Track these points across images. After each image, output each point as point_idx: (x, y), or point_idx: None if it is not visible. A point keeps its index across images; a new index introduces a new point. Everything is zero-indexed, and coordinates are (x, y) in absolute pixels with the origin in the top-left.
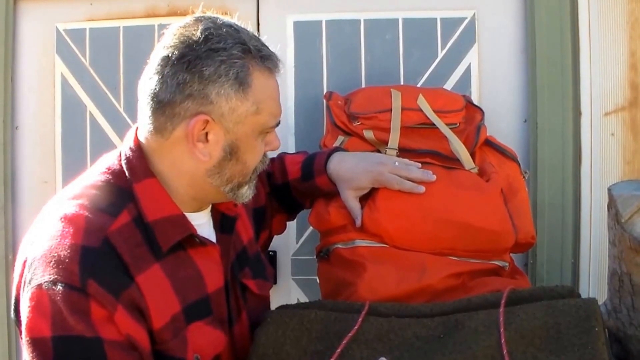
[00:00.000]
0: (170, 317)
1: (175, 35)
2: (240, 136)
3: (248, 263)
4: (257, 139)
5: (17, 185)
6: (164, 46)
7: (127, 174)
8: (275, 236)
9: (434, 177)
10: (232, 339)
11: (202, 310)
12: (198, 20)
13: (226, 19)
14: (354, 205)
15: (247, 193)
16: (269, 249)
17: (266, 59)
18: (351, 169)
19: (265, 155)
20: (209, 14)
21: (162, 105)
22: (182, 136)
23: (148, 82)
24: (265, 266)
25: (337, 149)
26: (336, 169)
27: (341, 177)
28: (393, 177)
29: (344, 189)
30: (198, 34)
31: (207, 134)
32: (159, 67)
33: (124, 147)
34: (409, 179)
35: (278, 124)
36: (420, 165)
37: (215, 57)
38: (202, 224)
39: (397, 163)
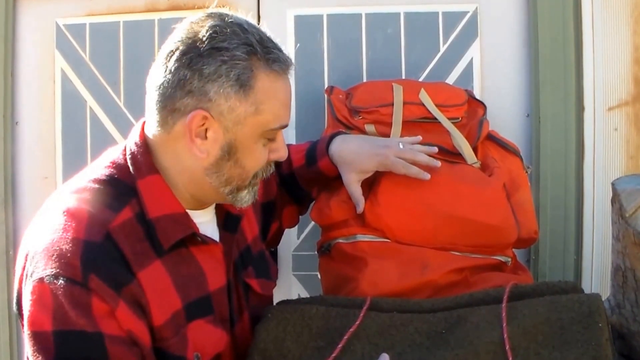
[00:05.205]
0: (171, 315)
1: (184, 29)
2: (240, 137)
3: (252, 262)
4: (257, 143)
5: (18, 181)
6: (172, 40)
7: (131, 169)
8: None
9: (439, 163)
10: (234, 339)
11: (203, 309)
12: (209, 16)
13: (238, 16)
14: (356, 190)
15: (246, 198)
16: None
17: (273, 62)
18: (355, 150)
19: (270, 163)
20: (222, 10)
21: (164, 99)
22: (182, 131)
23: (154, 75)
24: (269, 265)
25: (339, 132)
26: (338, 151)
27: (344, 159)
28: (399, 161)
29: (347, 172)
30: (204, 31)
31: (206, 130)
32: (164, 60)
33: (130, 141)
34: (414, 163)
35: (284, 127)
36: (421, 138)
37: (217, 57)
38: (206, 221)
39: (401, 145)
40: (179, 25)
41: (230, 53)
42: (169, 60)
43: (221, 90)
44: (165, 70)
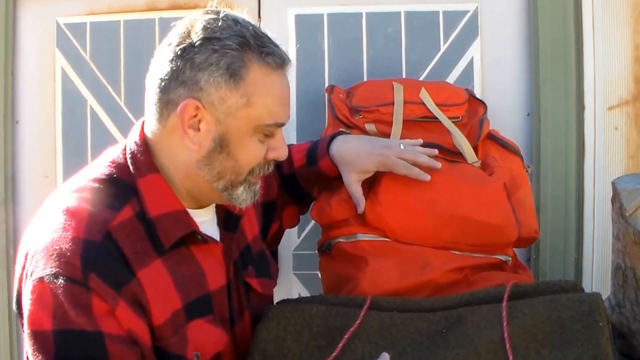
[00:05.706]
0: (171, 314)
1: (180, 26)
2: (232, 129)
3: (252, 261)
4: (252, 137)
5: (18, 180)
6: (169, 37)
7: (131, 168)
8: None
9: (440, 165)
10: (234, 338)
11: (203, 308)
12: (206, 12)
13: (235, 14)
14: (356, 190)
15: (243, 196)
16: None
17: (267, 55)
18: (355, 150)
19: (268, 161)
20: (220, 8)
21: (160, 92)
22: (176, 123)
23: (152, 70)
24: (270, 264)
25: (340, 132)
26: (339, 151)
27: (344, 159)
28: (400, 161)
29: (347, 172)
30: (198, 24)
31: (199, 122)
32: (161, 54)
33: (129, 140)
34: (415, 164)
35: (281, 125)
36: (422, 141)
37: (208, 46)
38: (206, 221)
39: (402, 146)
40: (177, 22)
41: (221, 42)
42: (165, 53)
43: (211, 79)
44: (161, 63)
